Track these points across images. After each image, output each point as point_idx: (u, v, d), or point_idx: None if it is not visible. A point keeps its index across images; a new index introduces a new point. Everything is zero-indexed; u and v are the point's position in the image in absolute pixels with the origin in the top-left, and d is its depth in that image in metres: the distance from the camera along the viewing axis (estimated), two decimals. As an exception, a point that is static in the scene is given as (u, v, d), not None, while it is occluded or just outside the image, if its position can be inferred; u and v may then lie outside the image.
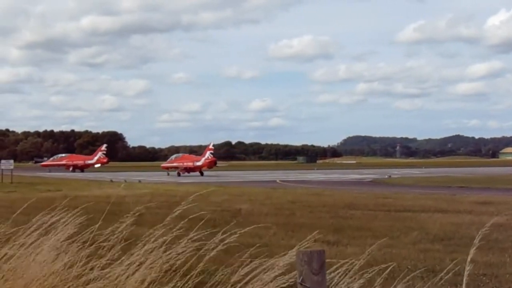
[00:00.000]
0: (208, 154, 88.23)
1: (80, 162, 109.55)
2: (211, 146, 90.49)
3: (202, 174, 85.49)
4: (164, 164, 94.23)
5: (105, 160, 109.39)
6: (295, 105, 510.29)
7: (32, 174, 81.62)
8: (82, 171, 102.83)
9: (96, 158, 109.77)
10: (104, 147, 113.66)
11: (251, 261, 6.27)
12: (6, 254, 7.08)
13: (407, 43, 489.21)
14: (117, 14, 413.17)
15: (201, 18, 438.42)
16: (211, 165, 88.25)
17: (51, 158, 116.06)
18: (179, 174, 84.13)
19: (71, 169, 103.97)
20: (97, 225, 7.62)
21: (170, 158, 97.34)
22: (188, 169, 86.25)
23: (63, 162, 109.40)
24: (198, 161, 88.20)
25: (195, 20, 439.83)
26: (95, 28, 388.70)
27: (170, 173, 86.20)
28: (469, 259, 5.49)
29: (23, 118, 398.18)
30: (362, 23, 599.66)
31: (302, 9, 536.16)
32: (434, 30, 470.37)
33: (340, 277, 5.94)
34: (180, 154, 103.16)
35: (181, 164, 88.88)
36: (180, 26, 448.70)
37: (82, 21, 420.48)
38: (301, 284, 4.66)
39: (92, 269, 6.77)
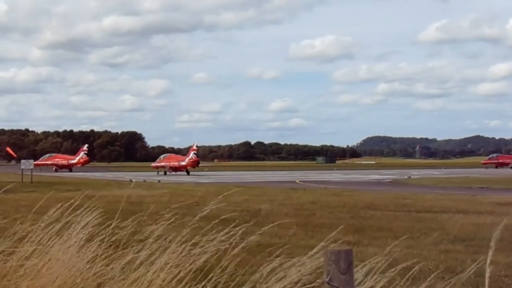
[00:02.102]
0: (192, 155, 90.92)
1: (64, 162, 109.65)
2: (194, 147, 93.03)
3: (188, 173, 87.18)
4: (154, 164, 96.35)
5: (83, 160, 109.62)
6: (316, 105, 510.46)
7: (52, 174, 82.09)
8: (70, 170, 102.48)
9: (78, 158, 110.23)
10: (85, 147, 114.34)
11: (280, 260, 6.22)
12: (26, 251, 7.08)
13: (429, 43, 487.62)
14: (139, 14, 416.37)
15: (223, 19, 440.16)
16: (194, 164, 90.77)
17: (41, 158, 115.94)
18: (165, 173, 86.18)
19: (54, 168, 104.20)
20: (114, 222, 7.61)
21: (158, 158, 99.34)
22: (174, 169, 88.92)
23: (49, 162, 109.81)
24: (183, 161, 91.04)
25: (217, 20, 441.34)
26: (117, 28, 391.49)
27: (159, 172, 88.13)
28: (488, 260, 5.42)
29: (43, 118, 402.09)
30: (384, 23, 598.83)
31: (324, 9, 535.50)
32: (457, 30, 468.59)
33: (364, 276, 5.90)
34: (168, 155, 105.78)
35: (168, 163, 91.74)
36: (202, 26, 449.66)
37: (103, 21, 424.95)
38: (328, 283, 4.62)
39: (112, 268, 6.75)
